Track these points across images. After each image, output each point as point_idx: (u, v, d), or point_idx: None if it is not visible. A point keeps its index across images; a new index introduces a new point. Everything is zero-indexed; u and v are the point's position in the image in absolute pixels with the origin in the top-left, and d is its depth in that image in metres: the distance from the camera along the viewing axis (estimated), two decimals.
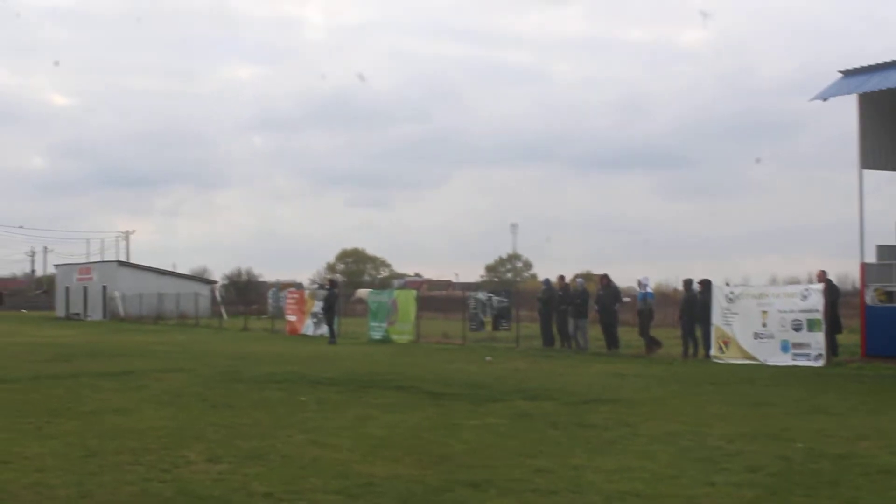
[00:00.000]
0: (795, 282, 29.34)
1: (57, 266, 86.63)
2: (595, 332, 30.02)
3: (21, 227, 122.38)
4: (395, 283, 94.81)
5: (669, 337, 28.65)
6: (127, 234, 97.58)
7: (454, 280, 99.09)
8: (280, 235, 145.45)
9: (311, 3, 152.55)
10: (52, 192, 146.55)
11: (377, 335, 37.15)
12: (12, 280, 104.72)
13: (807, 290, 24.18)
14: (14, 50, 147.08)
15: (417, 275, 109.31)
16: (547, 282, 32.66)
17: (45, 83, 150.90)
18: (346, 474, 9.36)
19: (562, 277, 32.10)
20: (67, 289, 78.04)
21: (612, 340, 28.96)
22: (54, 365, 23.65)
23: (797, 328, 23.66)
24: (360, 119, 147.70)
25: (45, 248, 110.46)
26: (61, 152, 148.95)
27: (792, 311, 23.87)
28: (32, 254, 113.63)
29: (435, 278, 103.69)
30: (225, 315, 62.02)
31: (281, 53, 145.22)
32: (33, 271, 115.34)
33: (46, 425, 12.73)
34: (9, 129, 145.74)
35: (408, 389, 17.58)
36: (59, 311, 77.37)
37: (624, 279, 36.44)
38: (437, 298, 56.20)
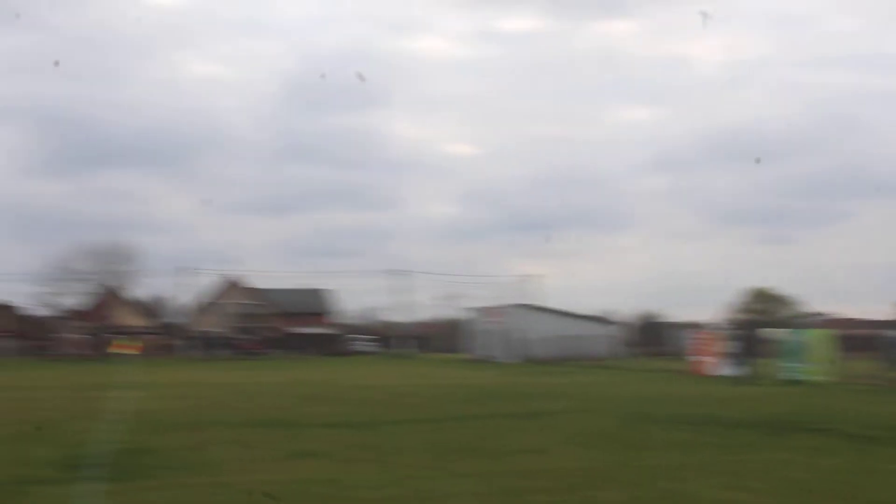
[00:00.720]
0: None
1: (468, 310, 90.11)
2: None
3: (433, 273, 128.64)
4: (807, 321, 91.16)
5: None
6: (532, 278, 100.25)
7: (868, 318, 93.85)
8: (681, 275, 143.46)
9: (697, 41, 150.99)
10: (461, 238, 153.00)
11: (790, 376, 35.81)
12: (429, 324, 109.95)
13: None
14: (418, 104, 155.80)
15: (829, 313, 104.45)
16: None
17: (450, 134, 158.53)
18: None
19: None
20: (478, 332, 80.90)
21: None
22: (469, 406, 24.48)
23: None
24: (757, 154, 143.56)
25: (456, 292, 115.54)
26: (467, 199, 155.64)
27: None
28: (444, 298, 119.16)
29: (848, 316, 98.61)
30: (631, 356, 62.00)
31: (671, 93, 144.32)
32: (446, 315, 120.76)
33: (462, 464, 13.13)
34: (418, 180, 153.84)
35: (825, 432, 16.77)
36: (471, 354, 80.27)
37: None
38: (852, 337, 53.37)
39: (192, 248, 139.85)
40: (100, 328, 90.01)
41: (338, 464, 13.25)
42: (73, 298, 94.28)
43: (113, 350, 77.87)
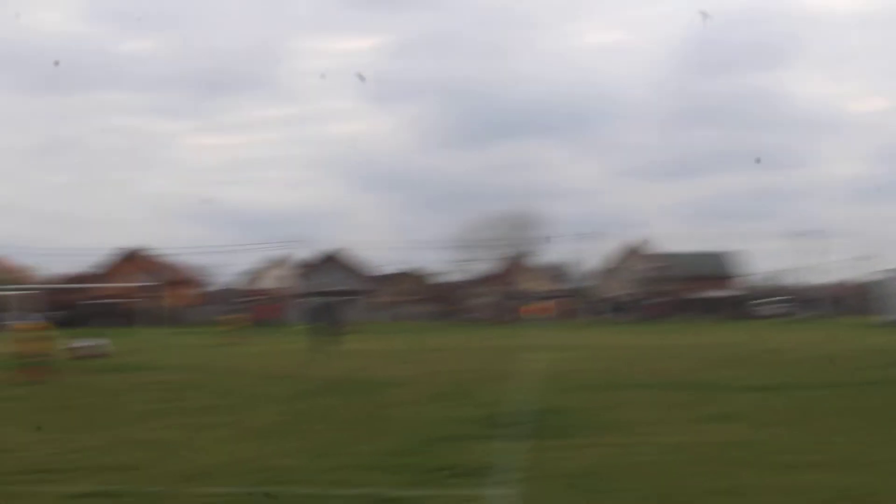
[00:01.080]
0: None
1: (883, 271, 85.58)
2: None
3: (846, 234, 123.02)
4: None
5: None
6: None
7: None
8: None
9: None
10: (876, 197, 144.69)
11: None
12: (841, 286, 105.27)
13: None
14: (824, 60, 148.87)
15: None
16: None
17: (861, 89, 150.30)
18: None
19: None
20: (893, 294, 76.70)
21: None
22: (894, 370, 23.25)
23: None
24: None
25: (871, 253, 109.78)
26: (882, 156, 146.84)
27: None
28: (857, 259, 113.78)
29: None
30: None
31: None
32: (859, 278, 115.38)
33: (892, 430, 12.47)
34: (828, 137, 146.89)
35: None
36: (886, 317, 76.19)
37: None
38: None
39: (596, 213, 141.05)
40: (507, 293, 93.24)
41: (754, 427, 12.95)
42: (482, 265, 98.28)
43: (524, 313, 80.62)
